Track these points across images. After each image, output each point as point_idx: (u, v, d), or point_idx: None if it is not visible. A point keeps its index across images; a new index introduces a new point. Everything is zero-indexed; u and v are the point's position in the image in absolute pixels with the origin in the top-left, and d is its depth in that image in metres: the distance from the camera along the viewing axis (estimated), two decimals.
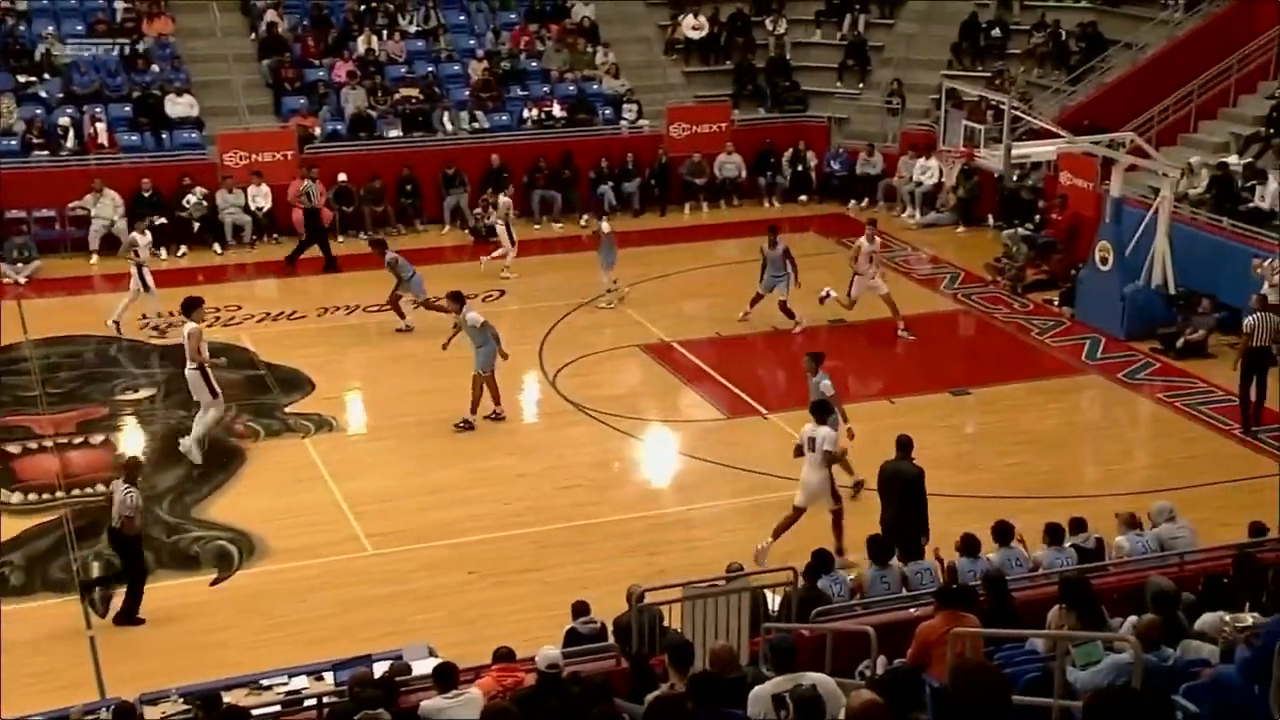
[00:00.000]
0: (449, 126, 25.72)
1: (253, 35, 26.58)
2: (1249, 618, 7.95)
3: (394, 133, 25.30)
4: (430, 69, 26.60)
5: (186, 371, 15.60)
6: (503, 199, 22.94)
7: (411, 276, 19.70)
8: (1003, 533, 11.59)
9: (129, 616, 12.53)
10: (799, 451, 13.58)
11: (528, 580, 13.21)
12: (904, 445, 12.85)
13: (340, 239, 24.05)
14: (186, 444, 15.60)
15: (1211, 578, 9.77)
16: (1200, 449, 16.24)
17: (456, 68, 26.93)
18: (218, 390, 15.67)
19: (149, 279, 19.46)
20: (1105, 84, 25.07)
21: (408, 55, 26.96)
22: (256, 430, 16.36)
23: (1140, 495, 14.33)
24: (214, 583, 13.31)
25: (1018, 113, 20.26)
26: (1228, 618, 8.17)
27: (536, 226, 25.11)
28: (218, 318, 19.98)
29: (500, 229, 22.39)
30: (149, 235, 20.44)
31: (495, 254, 22.38)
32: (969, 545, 11.33)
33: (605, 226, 21.24)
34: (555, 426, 16.88)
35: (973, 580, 10.52)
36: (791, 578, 10.79)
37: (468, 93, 26.38)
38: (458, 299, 16.79)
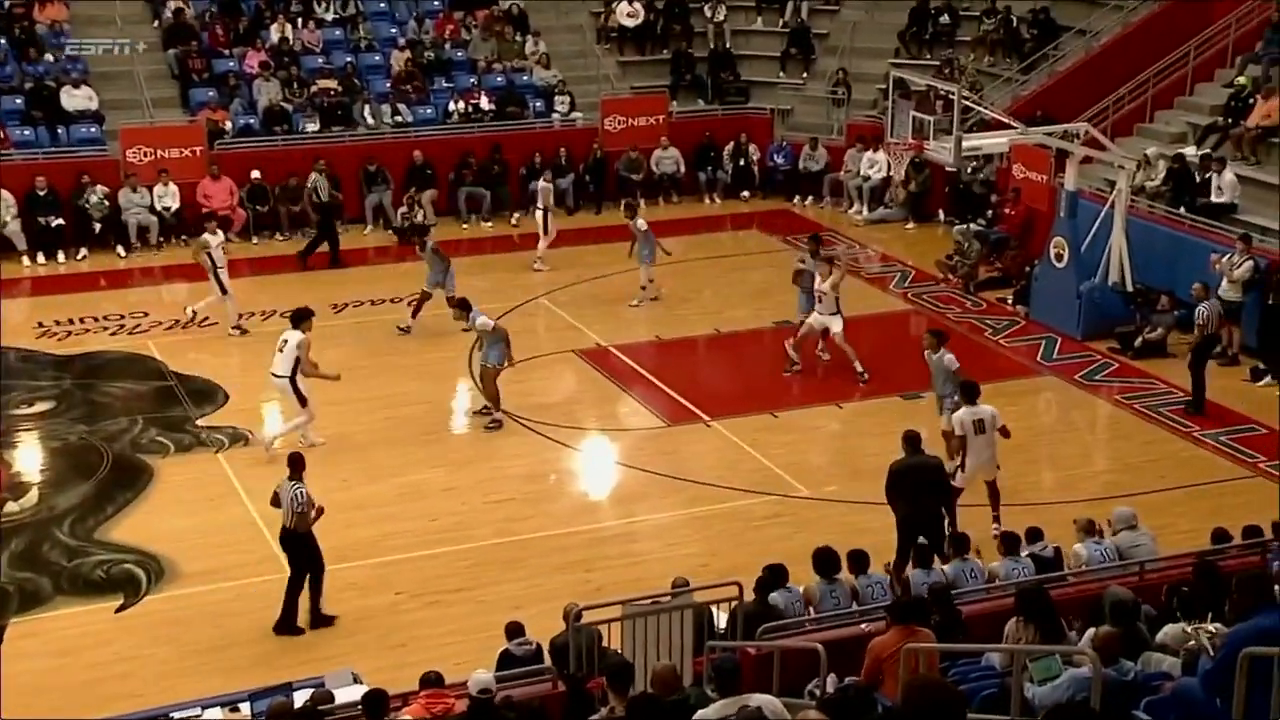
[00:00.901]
0: (370, 120, 25.58)
1: (156, 22, 26.25)
2: (1211, 628, 8.05)
3: (311, 127, 25.12)
4: (349, 59, 26.43)
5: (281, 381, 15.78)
6: (542, 183, 23.08)
7: (448, 269, 19.72)
8: (957, 543, 11.68)
9: (319, 617, 12.61)
10: (961, 442, 13.84)
11: (458, 600, 13.15)
12: (914, 440, 13.06)
13: (255, 240, 23.86)
14: (268, 435, 16.02)
15: (1173, 587, 9.89)
16: (1160, 452, 16.47)
17: (377, 58, 26.80)
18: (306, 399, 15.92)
19: (225, 281, 19.32)
20: (1058, 72, 25.38)
21: (324, 44, 26.80)
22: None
23: (1099, 501, 14.53)
24: (119, 609, 13.11)
25: (968, 103, 20.46)
26: (1189, 629, 8.27)
27: (464, 226, 25.03)
28: (122, 325, 19.75)
29: (538, 216, 22.59)
30: (220, 234, 20.25)
31: (542, 246, 22.57)
32: (922, 557, 11.41)
33: (641, 223, 20.84)
34: (486, 437, 16.81)
35: (926, 594, 10.58)
36: (737, 593, 10.81)
37: (389, 84, 26.26)
38: (464, 306, 17.20)
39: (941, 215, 25.21)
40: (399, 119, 25.79)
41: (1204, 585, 9.08)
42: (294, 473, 12.78)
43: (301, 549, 12.72)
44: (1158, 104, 23.55)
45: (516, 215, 25.30)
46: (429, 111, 26.15)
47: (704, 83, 28.46)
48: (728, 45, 28.96)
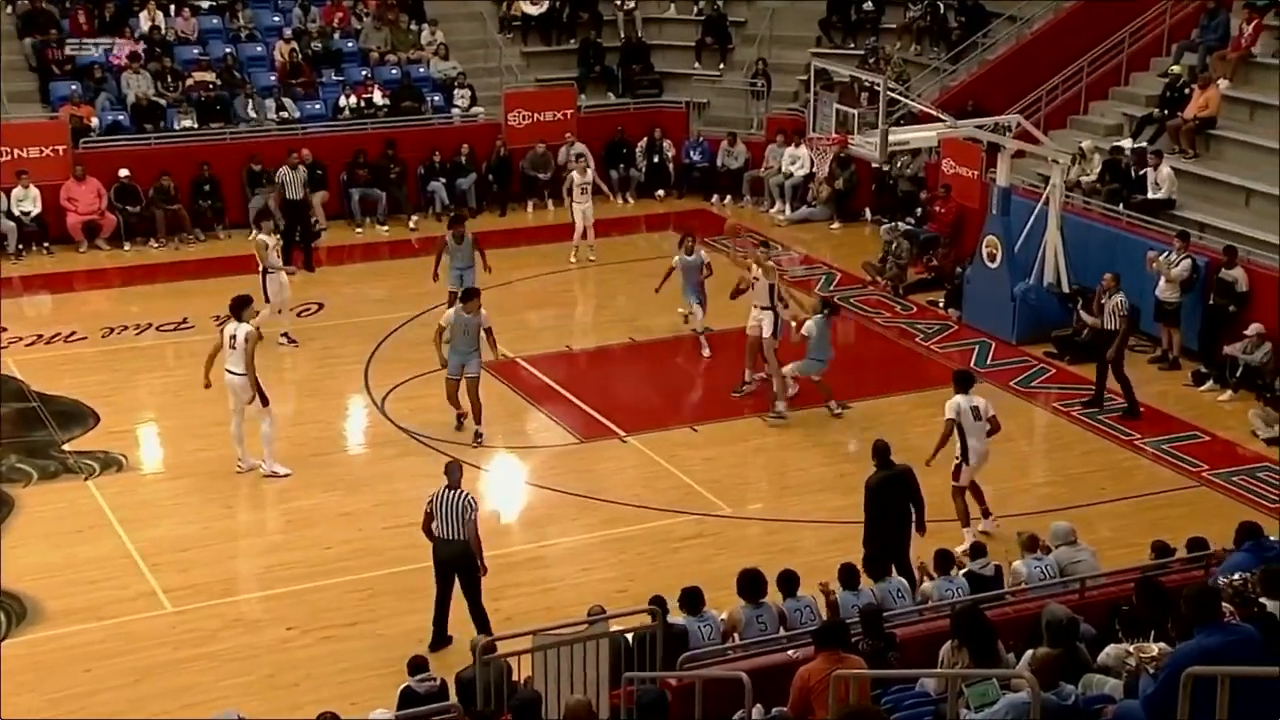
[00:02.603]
0: (252, 117, 25.35)
1: (10, 8, 25.70)
2: (1154, 648, 8.18)
3: (187, 124, 24.83)
4: (228, 50, 26.17)
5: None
6: (576, 175, 23.09)
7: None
8: (943, 560, 11.82)
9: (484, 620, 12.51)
10: (950, 428, 14.37)
11: (355, 634, 13.05)
12: (884, 451, 13.22)
13: (127, 246, 23.53)
14: (268, 467, 15.86)
15: (1114, 605, 10.03)
16: (1100, 462, 16.73)
17: (259, 49, 26.57)
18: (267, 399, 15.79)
19: (271, 289, 19.15)
20: (989, 62, 25.74)
21: (201, 34, 26.50)
22: None
23: (1037, 515, 14.73)
24: None
25: (894, 95, 20.65)
26: (1131, 648, 8.39)
27: (358, 230, 24.87)
28: None
29: (578, 210, 22.83)
30: (277, 235, 20.12)
31: (582, 240, 22.78)
32: (848, 577, 11.49)
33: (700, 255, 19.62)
34: (384, 457, 16.72)
35: (855, 616, 10.66)
36: (656, 619, 10.81)
37: (274, 78, 26.06)
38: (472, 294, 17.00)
39: (868, 214, 25.44)
40: (284, 115, 25.56)
41: (1146, 602, 9.22)
42: (453, 480, 12.60)
43: (473, 563, 12.56)
44: (1092, 94, 23.95)
45: (414, 218, 25.18)
46: (317, 107, 25.97)
47: (614, 75, 28.52)
48: (639, 35, 29.05)
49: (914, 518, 13.20)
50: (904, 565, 12.68)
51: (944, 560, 11.87)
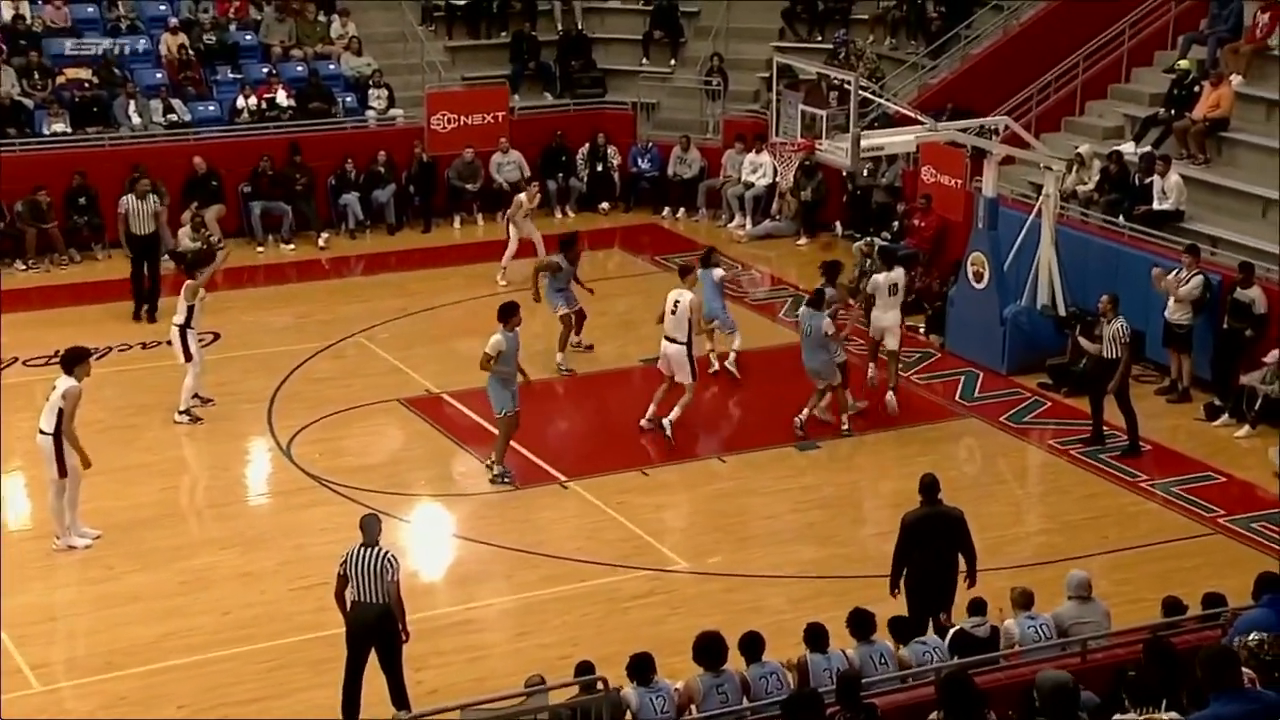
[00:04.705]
0: (135, 120, 25.22)
1: None
2: (1165, 718, 8.19)
3: (59, 128, 24.70)
4: (106, 44, 26.07)
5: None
6: (525, 199, 23.33)
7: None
8: (862, 623, 11.77)
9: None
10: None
11: (256, 712, 12.93)
12: (932, 487, 13.20)
13: None
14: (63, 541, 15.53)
15: (1120, 670, 10.05)
16: (1102, 507, 16.82)
17: (143, 42, 26.47)
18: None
19: (193, 343, 18.49)
20: (972, 56, 25.95)
21: (74, 24, 26.36)
22: None
23: (1032, 567, 14.80)
24: None
25: (867, 94, 20.77)
26: (1140, 719, 8.40)
27: (260, 250, 24.77)
28: None
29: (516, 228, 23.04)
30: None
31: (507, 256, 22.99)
32: (816, 638, 11.46)
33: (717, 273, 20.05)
34: (290, 508, 16.62)
35: (828, 682, 10.65)
36: (604, 689, 10.77)
37: (160, 75, 25.95)
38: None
39: (838, 228, 25.57)
40: (173, 118, 25.46)
41: (1156, 666, 9.24)
42: (370, 536, 12.47)
43: (393, 630, 12.47)
44: (1089, 93, 24.17)
45: (324, 236, 25.11)
46: (211, 109, 25.92)
47: (551, 72, 28.57)
48: (580, 27, 29.16)
49: (966, 569, 13.19)
50: (940, 624, 12.61)
51: (901, 627, 11.86)
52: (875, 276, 19.41)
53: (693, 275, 18.94)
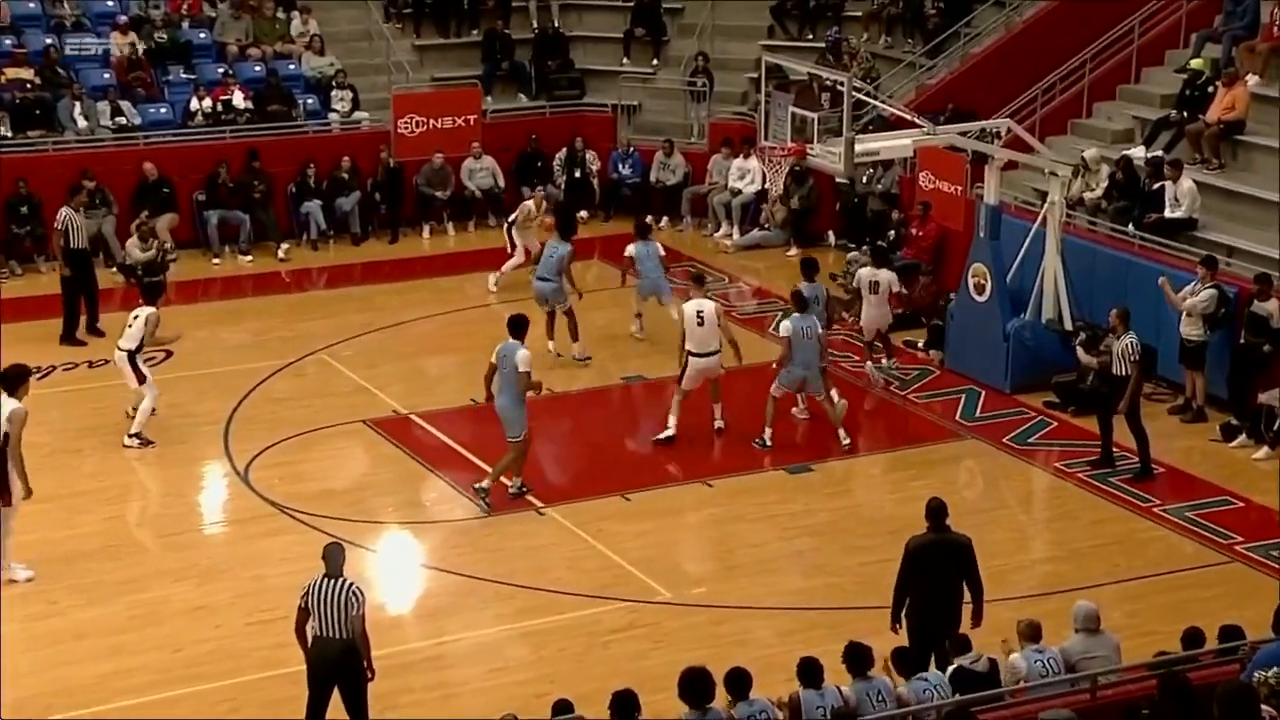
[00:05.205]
0: (81, 123, 25.19)
1: None
2: None
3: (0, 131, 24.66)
4: (50, 42, 26.05)
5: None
6: (532, 206, 23.64)
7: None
8: (858, 658, 11.77)
9: None
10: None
11: None
12: (940, 512, 13.18)
13: None
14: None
15: (1131, 708, 10.05)
16: (1112, 534, 16.83)
17: (89, 40, 26.46)
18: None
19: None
20: (973, 55, 26.02)
21: (14, 21, 26.34)
22: None
23: (1037, 598, 14.82)
24: None
25: (861, 95, 20.80)
26: None
27: (215, 262, 24.73)
28: None
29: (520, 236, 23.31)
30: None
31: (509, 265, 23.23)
32: (808, 673, 11.45)
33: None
34: (248, 537, 16.58)
35: None
36: None
37: (108, 76, 25.92)
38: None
39: (831, 238, 25.61)
40: (121, 121, 25.43)
41: (1170, 703, 9.24)
42: (334, 567, 12.37)
43: (358, 668, 12.40)
44: (1096, 94, 24.24)
45: (284, 246, 25.07)
46: (163, 111, 25.90)
47: (526, 73, 28.60)
48: (556, 24, 29.19)
49: (972, 603, 13.18)
50: (944, 658, 12.60)
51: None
52: (859, 271, 20.71)
53: (707, 283, 19.80)
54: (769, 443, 18.43)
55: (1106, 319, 18.14)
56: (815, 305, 19.13)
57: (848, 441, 18.50)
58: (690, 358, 18.37)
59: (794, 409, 19.26)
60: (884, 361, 20.60)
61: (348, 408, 19.56)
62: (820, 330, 18.55)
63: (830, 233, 25.66)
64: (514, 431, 16.92)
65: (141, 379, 18.38)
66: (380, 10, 28.52)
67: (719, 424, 18.76)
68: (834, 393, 18.68)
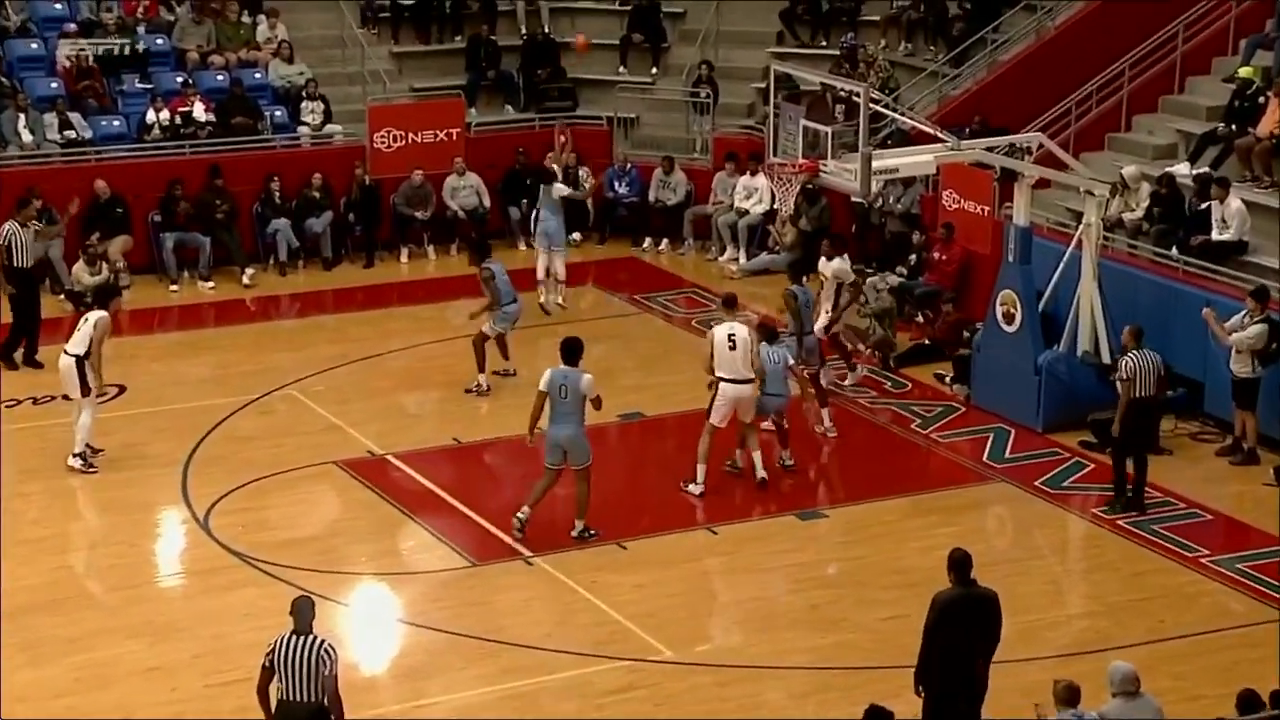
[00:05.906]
0: (26, 137, 25.24)
1: None
2: None
3: None
4: None
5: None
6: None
7: (511, 303, 21.16)
8: None
9: None
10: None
11: None
12: (965, 565, 13.10)
13: None
14: None
15: None
16: (1155, 586, 16.77)
17: (35, 46, 26.54)
18: None
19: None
20: (1002, 64, 26.07)
21: None
22: None
23: (1073, 657, 14.75)
24: None
25: (879, 108, 20.83)
26: None
27: (174, 289, 24.75)
28: None
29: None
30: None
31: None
32: None
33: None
34: (208, 590, 16.54)
35: None
36: None
37: (56, 85, 25.99)
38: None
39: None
40: (70, 135, 25.48)
41: None
42: (303, 623, 12.29)
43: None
44: (1136, 106, 24.27)
45: (249, 271, 25.08)
46: (116, 124, 25.96)
47: (514, 82, 28.68)
48: (546, 30, 29.26)
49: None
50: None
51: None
52: (825, 262, 21.31)
53: (738, 305, 19.79)
54: (740, 464, 18.74)
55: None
56: (805, 310, 19.98)
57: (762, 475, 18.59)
58: (721, 383, 18.29)
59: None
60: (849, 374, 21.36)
61: (318, 448, 19.55)
62: (790, 360, 18.83)
63: (845, 256, 25.61)
64: (586, 459, 17.10)
65: (86, 391, 18.44)
66: (355, 14, 28.60)
67: (761, 475, 18.55)
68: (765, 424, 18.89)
